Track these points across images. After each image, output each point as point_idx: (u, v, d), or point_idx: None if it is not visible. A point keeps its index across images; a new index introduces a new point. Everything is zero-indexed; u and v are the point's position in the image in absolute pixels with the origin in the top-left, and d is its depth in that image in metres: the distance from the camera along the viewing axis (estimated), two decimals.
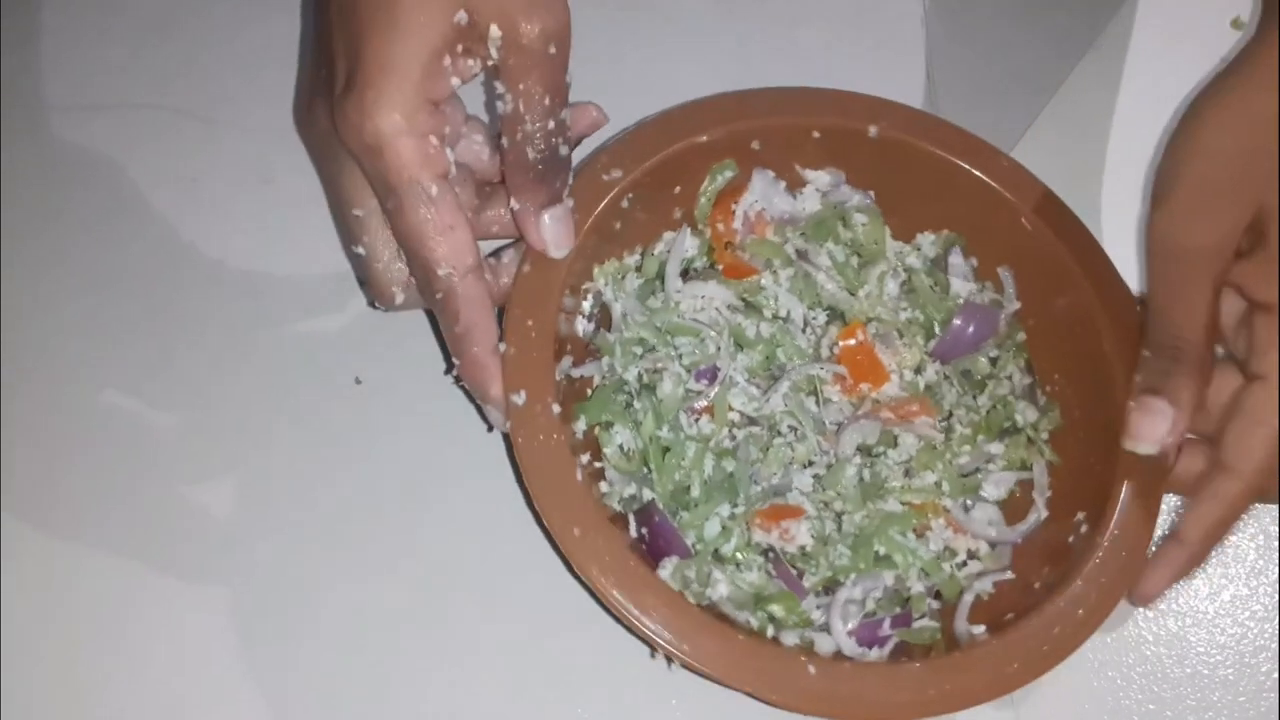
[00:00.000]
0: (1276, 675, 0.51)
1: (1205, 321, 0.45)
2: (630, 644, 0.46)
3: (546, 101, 0.44)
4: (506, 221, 0.48)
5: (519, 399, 0.45)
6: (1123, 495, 0.47)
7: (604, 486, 0.49)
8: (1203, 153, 0.45)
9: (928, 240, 0.54)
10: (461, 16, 0.43)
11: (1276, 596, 0.52)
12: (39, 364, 0.53)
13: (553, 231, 0.47)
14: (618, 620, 0.43)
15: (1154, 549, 0.46)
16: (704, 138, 0.51)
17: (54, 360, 0.54)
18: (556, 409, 0.45)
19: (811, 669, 0.43)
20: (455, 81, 0.44)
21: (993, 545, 0.50)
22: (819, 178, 0.54)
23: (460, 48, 0.44)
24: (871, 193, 0.54)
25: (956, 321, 0.52)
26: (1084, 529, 0.47)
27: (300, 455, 0.52)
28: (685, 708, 0.50)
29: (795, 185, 0.54)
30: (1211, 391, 0.46)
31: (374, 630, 0.50)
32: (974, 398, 0.52)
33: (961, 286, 0.53)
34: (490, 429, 0.47)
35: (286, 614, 0.50)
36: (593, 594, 0.43)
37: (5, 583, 0.49)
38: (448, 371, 0.48)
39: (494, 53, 0.43)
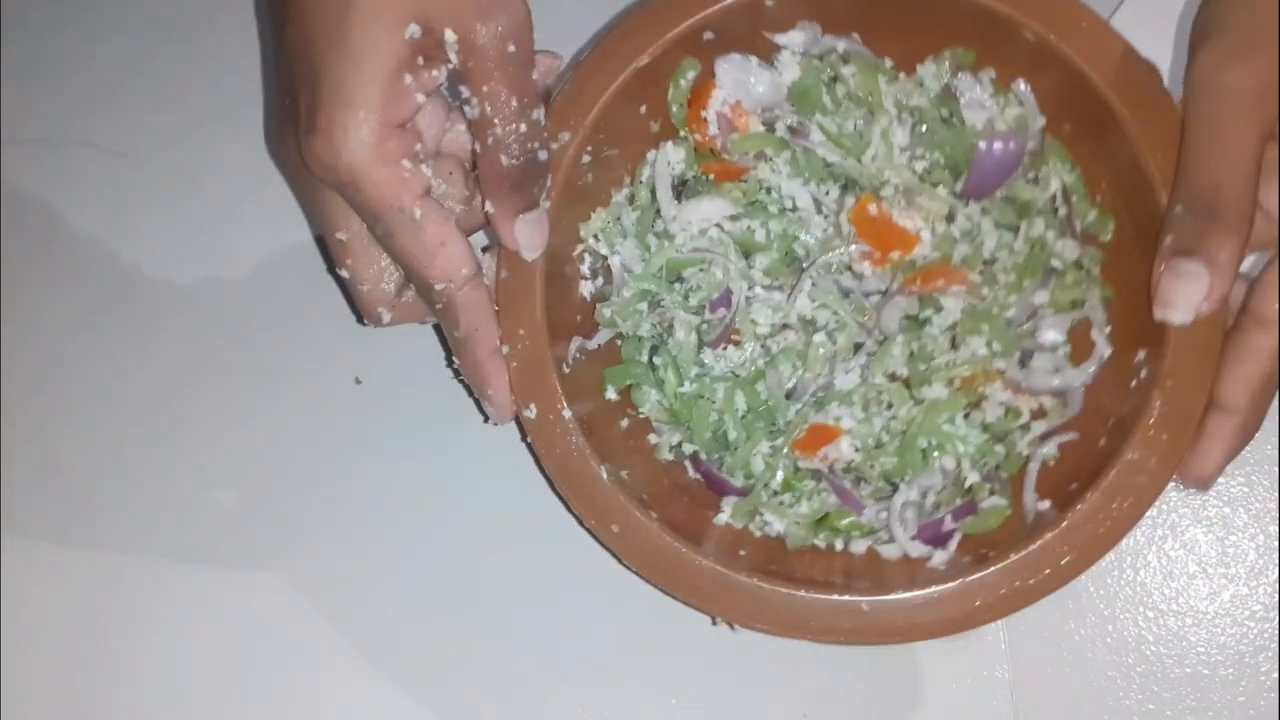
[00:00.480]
0: (1276, 675, 0.49)
1: (1248, 171, 0.39)
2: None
3: (514, 103, 0.43)
4: None
5: (531, 413, 0.46)
6: (1178, 337, 0.43)
7: (653, 438, 0.50)
8: None
9: (929, 72, 0.48)
10: (414, 30, 0.42)
11: (1276, 596, 0.50)
12: (39, 366, 0.56)
13: (526, 235, 0.46)
14: (675, 599, 0.46)
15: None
16: (645, 59, 0.47)
17: (54, 362, 0.56)
18: (568, 413, 0.46)
19: (865, 607, 0.44)
20: (420, 98, 0.43)
21: (1059, 396, 0.47)
22: (792, 38, 0.49)
23: (420, 60, 0.43)
24: (856, 35, 0.48)
25: (981, 148, 0.47)
26: (1144, 372, 0.44)
27: (300, 455, 0.54)
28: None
29: (768, 54, 0.49)
30: None
31: (375, 630, 0.52)
32: (1015, 235, 0.48)
33: (977, 115, 0.47)
34: (486, 420, 0.48)
35: (285, 615, 0.52)
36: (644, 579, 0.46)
37: (5, 590, 0.53)
38: (449, 364, 0.50)
39: (453, 58, 0.42)
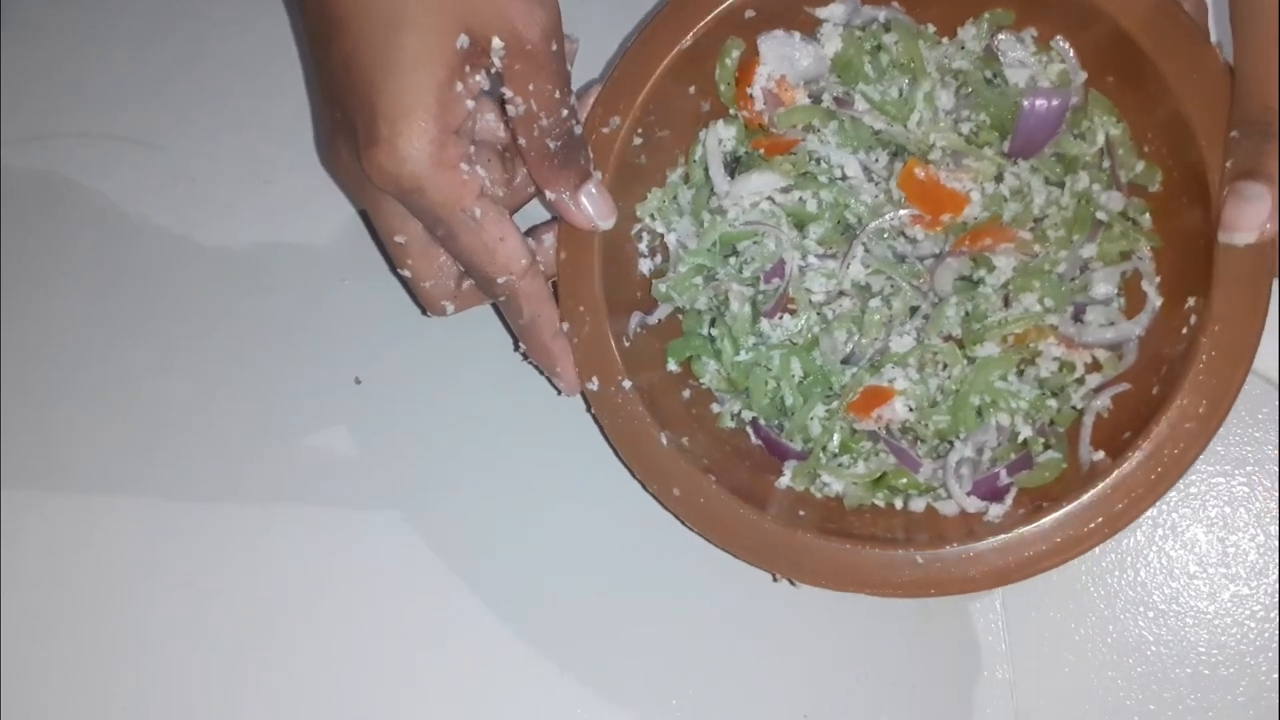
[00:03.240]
0: (1277, 675, 0.49)
1: None
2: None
3: (557, 95, 0.46)
4: None
5: (594, 385, 0.49)
6: (1225, 277, 0.43)
7: (715, 407, 0.52)
8: None
9: (969, 34, 0.49)
10: (463, 40, 0.44)
11: (1276, 596, 0.50)
12: (39, 365, 0.56)
13: (594, 207, 0.48)
14: (735, 557, 0.47)
15: None
16: (689, 41, 0.49)
17: (55, 361, 0.56)
18: (628, 384, 0.48)
19: (919, 559, 0.45)
20: (470, 104, 0.46)
21: (1114, 349, 0.48)
22: (832, 11, 0.50)
23: (467, 68, 0.45)
24: (895, 3, 0.49)
25: (1025, 106, 0.47)
26: (1193, 319, 0.44)
27: (300, 455, 0.54)
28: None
29: (809, 27, 0.50)
30: None
31: (374, 628, 0.52)
32: (1062, 190, 0.48)
33: (1019, 74, 0.48)
34: (559, 394, 0.50)
35: (284, 614, 0.53)
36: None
37: (6, 580, 0.54)
38: (516, 350, 0.52)
39: (497, 62, 0.45)
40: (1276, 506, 0.50)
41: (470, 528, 0.54)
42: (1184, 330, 0.44)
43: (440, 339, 0.55)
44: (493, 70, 0.45)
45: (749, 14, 0.49)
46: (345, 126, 0.46)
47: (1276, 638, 0.49)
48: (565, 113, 0.46)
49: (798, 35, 0.50)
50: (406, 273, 0.50)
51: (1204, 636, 0.50)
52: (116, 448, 0.55)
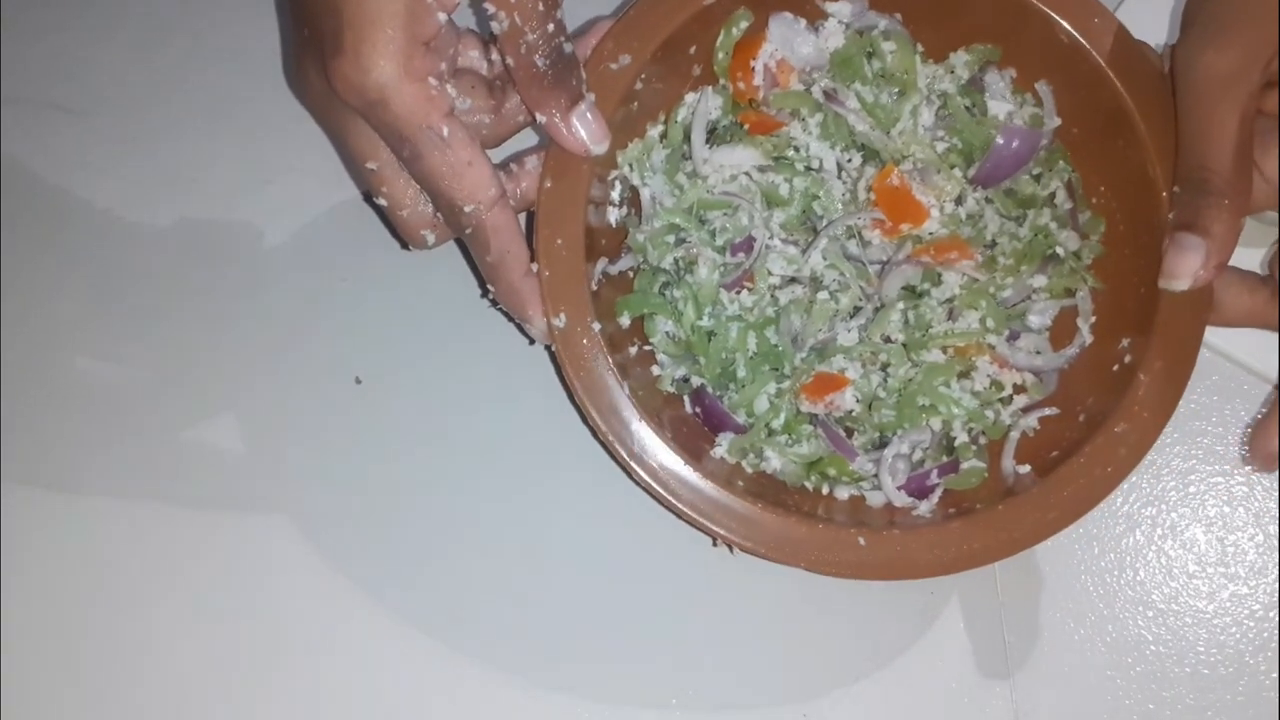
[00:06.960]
0: (1276, 675, 0.50)
1: (1232, 149, 0.44)
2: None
3: (541, 8, 0.43)
4: None
5: (560, 322, 0.47)
6: (1164, 324, 0.47)
7: (655, 369, 0.51)
8: None
9: (961, 60, 0.52)
10: None
11: (1276, 596, 0.51)
12: (37, 365, 0.54)
13: (585, 131, 0.46)
14: (681, 519, 0.47)
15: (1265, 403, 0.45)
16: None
17: (52, 361, 0.54)
18: (597, 326, 0.47)
19: (862, 540, 0.46)
20: (442, 17, 0.43)
21: (1038, 375, 0.51)
22: (840, 8, 0.51)
23: None
24: (898, 15, 0.51)
25: (999, 141, 0.50)
26: (1128, 357, 0.48)
27: (300, 455, 0.53)
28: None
29: (816, 18, 0.51)
30: None
31: (372, 628, 0.52)
32: (1017, 224, 0.52)
33: (999, 107, 0.51)
34: (532, 343, 0.49)
35: (284, 613, 0.52)
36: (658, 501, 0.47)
37: (6, 579, 0.52)
38: (483, 295, 0.49)
39: None
40: (1276, 506, 0.52)
41: (470, 527, 0.53)
42: (1115, 367, 0.49)
43: (440, 338, 0.55)
44: None
45: None
46: (313, 43, 0.44)
47: (1275, 637, 0.51)
48: (551, 27, 0.44)
49: (803, 23, 0.51)
50: (382, 201, 0.47)
51: (1203, 636, 0.51)
52: (114, 447, 0.53)
